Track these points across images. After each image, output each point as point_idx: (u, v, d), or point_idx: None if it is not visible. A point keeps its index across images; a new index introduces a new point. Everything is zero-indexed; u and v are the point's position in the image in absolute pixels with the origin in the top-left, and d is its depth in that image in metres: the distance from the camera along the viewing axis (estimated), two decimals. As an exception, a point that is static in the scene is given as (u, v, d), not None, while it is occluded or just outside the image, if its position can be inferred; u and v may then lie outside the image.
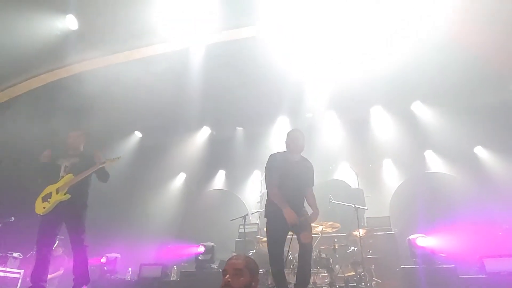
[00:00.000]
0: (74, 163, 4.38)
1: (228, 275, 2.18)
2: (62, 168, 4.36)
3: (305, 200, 4.01)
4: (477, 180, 7.56)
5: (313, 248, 4.18)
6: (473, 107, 7.72)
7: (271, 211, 3.83)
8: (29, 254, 5.78)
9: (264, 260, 5.65)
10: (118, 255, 6.13)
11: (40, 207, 4.16)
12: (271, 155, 4.05)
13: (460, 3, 5.21)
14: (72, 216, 4.18)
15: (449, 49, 6.10)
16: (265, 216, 3.94)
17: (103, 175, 4.45)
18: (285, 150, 4.07)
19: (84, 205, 4.33)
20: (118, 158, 4.51)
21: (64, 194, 4.15)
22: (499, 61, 6.50)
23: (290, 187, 3.84)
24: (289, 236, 3.88)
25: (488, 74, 6.94)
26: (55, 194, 4.16)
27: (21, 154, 6.44)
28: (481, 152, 8.27)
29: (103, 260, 5.92)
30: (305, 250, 3.72)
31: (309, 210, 3.95)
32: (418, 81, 7.11)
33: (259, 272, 4.87)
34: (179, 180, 9.98)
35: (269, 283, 4.83)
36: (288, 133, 4.12)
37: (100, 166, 4.35)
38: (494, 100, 7.64)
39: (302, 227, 3.74)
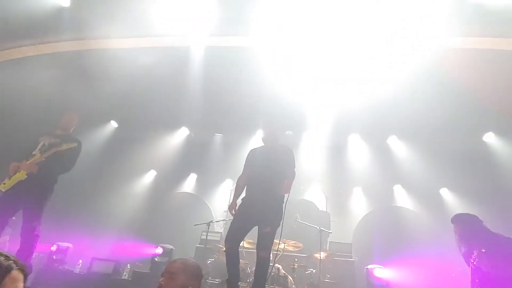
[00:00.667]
0: (53, 144, 4.07)
1: (162, 278, 2.24)
2: (40, 145, 4.07)
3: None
4: (439, 220, 7.77)
5: (272, 264, 4.15)
6: (445, 150, 8.05)
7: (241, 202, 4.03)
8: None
9: (222, 271, 5.58)
10: (70, 245, 5.83)
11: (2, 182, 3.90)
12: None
13: (453, 46, 5.38)
14: (31, 201, 3.89)
15: (432, 92, 6.31)
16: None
17: (67, 159, 4.07)
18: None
19: (48, 189, 4.02)
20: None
21: (25, 174, 3.86)
22: (478, 111, 6.80)
23: (257, 178, 4.06)
24: (251, 250, 3.85)
25: (464, 122, 7.26)
26: (19, 172, 3.88)
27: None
28: (446, 194, 8.60)
29: (54, 248, 5.59)
30: (261, 264, 3.77)
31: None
32: (398, 117, 7.33)
33: (214, 282, 4.77)
34: (148, 177, 9.73)
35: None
36: None
37: (55, 150, 3.99)
38: (465, 147, 8.01)
39: (262, 239, 3.79)
